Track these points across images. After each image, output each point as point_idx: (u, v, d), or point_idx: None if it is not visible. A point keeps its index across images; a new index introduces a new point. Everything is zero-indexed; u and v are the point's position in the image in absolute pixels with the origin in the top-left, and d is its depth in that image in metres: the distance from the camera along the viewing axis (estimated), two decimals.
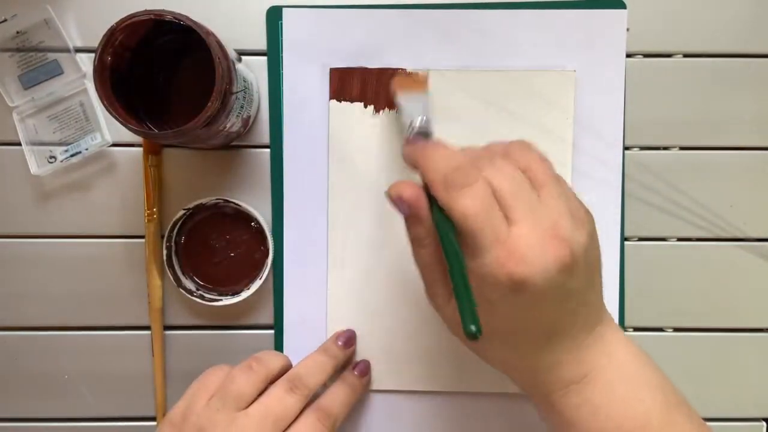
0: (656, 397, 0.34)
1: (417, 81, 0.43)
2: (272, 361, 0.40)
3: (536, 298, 0.31)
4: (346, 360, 0.44)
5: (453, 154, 0.33)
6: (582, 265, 0.32)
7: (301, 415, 0.38)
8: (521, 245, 0.30)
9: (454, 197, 0.31)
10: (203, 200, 0.43)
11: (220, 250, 0.45)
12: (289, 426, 0.37)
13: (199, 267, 0.45)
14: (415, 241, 0.34)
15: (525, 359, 0.34)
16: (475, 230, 0.30)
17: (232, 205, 0.43)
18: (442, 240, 0.31)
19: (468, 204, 0.30)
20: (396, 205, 0.33)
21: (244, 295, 0.44)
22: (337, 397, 0.41)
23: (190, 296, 0.43)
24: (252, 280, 0.44)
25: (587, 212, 0.34)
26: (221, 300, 0.44)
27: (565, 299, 0.32)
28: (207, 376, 0.39)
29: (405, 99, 0.40)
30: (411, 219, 0.33)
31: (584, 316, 0.33)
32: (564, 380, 0.34)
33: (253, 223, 0.44)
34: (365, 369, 0.44)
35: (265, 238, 0.44)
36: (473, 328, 0.29)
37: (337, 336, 0.44)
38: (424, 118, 0.37)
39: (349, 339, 0.44)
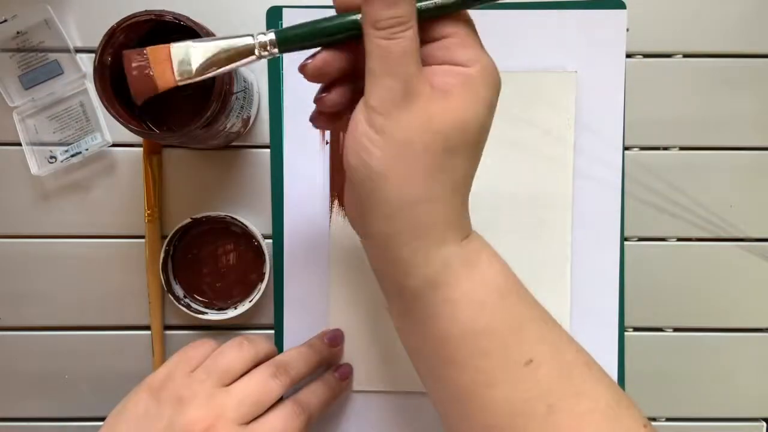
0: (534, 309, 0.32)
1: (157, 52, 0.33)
2: (261, 343, 0.40)
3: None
4: (332, 359, 0.44)
5: None
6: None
7: (279, 404, 0.38)
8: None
9: None
10: (211, 213, 0.43)
11: (215, 266, 0.45)
12: (266, 411, 0.37)
13: (190, 276, 0.45)
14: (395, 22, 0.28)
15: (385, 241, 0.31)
16: None
17: (238, 222, 0.43)
18: None
19: None
20: None
21: (231, 313, 0.44)
22: (315, 394, 0.41)
23: (177, 303, 0.43)
24: (241, 300, 0.44)
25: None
26: (206, 313, 0.44)
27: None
28: (192, 348, 0.39)
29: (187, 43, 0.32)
30: None
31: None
32: (425, 277, 0.31)
33: (254, 241, 0.44)
34: (346, 373, 0.44)
35: (263, 261, 0.44)
36: None
37: (323, 334, 0.44)
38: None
39: (335, 338, 0.44)
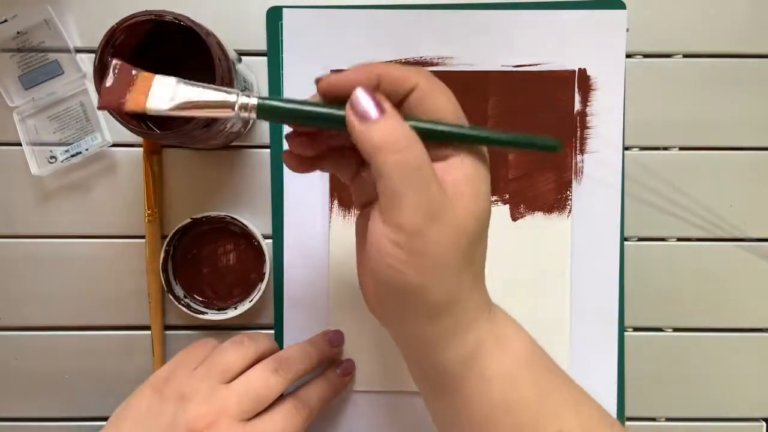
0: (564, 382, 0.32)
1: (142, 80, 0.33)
2: (262, 341, 0.40)
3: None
4: (331, 358, 0.44)
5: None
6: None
7: (280, 400, 0.39)
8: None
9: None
10: (211, 213, 0.43)
11: (215, 266, 0.45)
12: (267, 408, 0.38)
13: (190, 276, 0.45)
14: (388, 144, 0.28)
15: (413, 326, 0.31)
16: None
17: (238, 222, 0.43)
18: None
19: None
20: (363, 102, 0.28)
21: (231, 313, 0.44)
22: (316, 391, 0.41)
23: (177, 303, 0.43)
24: (241, 300, 0.44)
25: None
26: (206, 313, 0.44)
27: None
28: (194, 347, 0.40)
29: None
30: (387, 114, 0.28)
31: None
32: (456, 357, 0.31)
33: (254, 241, 0.44)
34: (349, 369, 0.44)
35: (263, 261, 0.44)
36: (553, 141, 0.27)
37: (324, 333, 0.44)
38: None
39: (336, 338, 0.44)
